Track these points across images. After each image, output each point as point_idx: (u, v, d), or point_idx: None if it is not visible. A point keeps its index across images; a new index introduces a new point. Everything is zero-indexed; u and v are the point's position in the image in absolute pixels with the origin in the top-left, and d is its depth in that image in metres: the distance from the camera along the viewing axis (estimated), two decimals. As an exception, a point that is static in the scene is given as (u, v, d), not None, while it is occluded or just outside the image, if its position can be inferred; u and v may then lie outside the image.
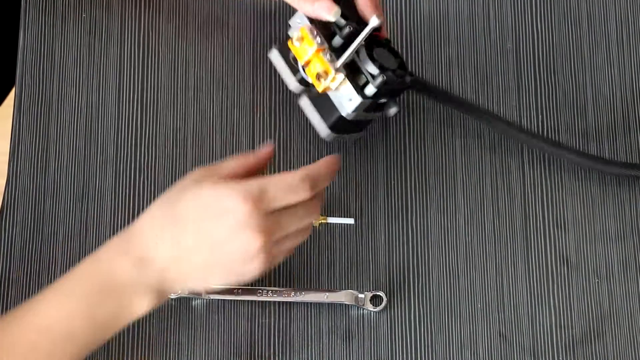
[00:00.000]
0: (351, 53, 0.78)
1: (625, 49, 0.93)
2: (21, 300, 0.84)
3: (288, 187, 0.72)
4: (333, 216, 0.87)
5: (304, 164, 0.88)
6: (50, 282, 0.84)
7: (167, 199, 0.74)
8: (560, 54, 0.93)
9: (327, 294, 0.84)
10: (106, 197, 0.88)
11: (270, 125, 0.90)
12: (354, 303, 0.84)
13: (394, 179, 0.89)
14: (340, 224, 0.87)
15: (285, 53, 0.82)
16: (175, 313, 0.85)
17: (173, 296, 0.83)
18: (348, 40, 0.79)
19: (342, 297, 0.84)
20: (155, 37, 0.92)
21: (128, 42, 0.92)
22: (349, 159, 0.89)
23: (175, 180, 0.86)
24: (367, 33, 0.77)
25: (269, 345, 0.85)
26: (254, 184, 0.70)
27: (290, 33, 0.81)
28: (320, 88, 0.78)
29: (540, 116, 0.91)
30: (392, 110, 0.83)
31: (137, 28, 0.92)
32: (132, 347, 0.84)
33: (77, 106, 0.90)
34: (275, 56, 0.83)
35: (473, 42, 0.93)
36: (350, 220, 0.87)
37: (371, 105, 0.81)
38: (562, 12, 0.94)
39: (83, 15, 0.92)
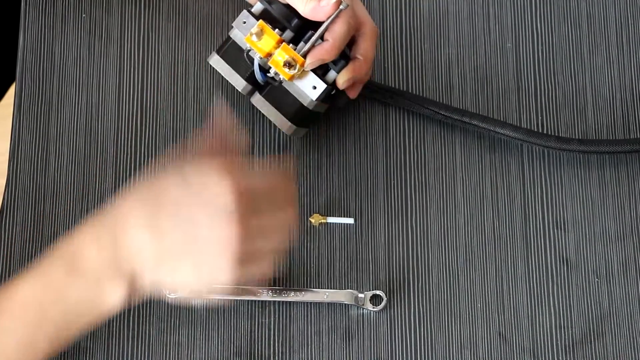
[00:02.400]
0: (316, 38, 0.79)
1: (625, 50, 0.93)
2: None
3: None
4: (333, 216, 0.87)
5: (303, 164, 0.89)
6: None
7: (145, 181, 0.72)
8: (560, 55, 0.93)
9: (327, 293, 0.84)
10: (106, 197, 0.88)
11: (270, 125, 0.90)
12: (353, 303, 0.84)
13: (394, 179, 0.89)
14: (340, 224, 0.87)
15: (230, 55, 0.83)
16: (175, 313, 0.85)
17: (171, 296, 0.82)
18: (297, 32, 0.81)
19: (341, 296, 0.84)
20: (155, 37, 0.92)
21: (128, 42, 0.92)
22: (349, 159, 0.89)
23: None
24: (335, 15, 0.77)
25: (269, 345, 0.85)
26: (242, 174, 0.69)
27: (232, 34, 0.83)
28: (288, 76, 0.79)
29: (540, 117, 0.91)
30: (343, 100, 0.85)
31: (137, 28, 0.92)
32: (132, 347, 0.84)
33: (77, 106, 0.90)
34: (216, 61, 0.84)
35: (473, 42, 0.93)
36: (350, 220, 0.87)
37: (327, 95, 0.82)
38: (562, 13, 0.94)
39: (83, 15, 0.92)
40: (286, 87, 0.82)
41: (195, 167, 0.69)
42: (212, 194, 0.67)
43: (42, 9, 0.92)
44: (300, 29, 0.81)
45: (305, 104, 0.82)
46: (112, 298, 0.70)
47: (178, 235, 0.69)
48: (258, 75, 0.81)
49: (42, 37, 0.92)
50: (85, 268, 0.70)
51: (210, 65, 0.84)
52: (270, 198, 0.71)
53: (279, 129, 0.87)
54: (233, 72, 0.83)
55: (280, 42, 0.79)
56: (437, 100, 0.90)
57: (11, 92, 1.01)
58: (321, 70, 0.81)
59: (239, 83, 0.83)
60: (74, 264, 0.70)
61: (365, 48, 0.81)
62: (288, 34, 0.81)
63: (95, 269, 0.70)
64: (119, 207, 0.71)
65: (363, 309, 0.84)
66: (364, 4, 0.88)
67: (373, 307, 0.84)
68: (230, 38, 0.83)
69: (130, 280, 0.70)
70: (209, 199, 0.67)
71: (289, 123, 0.83)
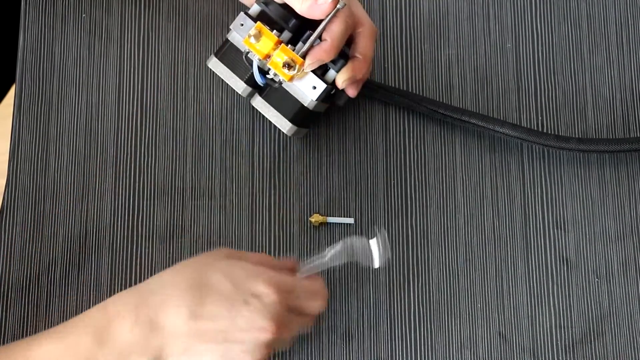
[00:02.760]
0: (315, 38, 0.79)
1: (625, 51, 0.93)
2: (21, 301, 0.84)
3: (312, 292, 0.74)
4: (333, 216, 0.87)
5: (303, 163, 0.89)
6: (51, 282, 0.85)
7: (194, 264, 0.73)
8: (560, 55, 0.93)
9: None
10: (106, 197, 0.88)
11: (270, 125, 0.90)
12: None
13: (394, 178, 0.89)
14: (340, 224, 0.87)
15: (229, 58, 0.83)
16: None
17: None
18: (295, 32, 0.81)
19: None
20: (155, 37, 0.92)
21: (128, 42, 0.92)
22: (349, 159, 0.89)
23: (175, 181, 0.87)
24: (333, 14, 0.77)
25: (269, 345, 0.85)
26: (287, 278, 0.72)
27: (229, 37, 0.83)
28: (287, 77, 0.79)
29: (540, 117, 0.91)
30: (343, 99, 0.85)
31: (137, 28, 0.92)
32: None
33: (77, 106, 0.90)
34: (215, 64, 0.84)
35: (473, 42, 0.93)
36: (350, 220, 0.87)
37: (327, 94, 0.82)
38: (561, 13, 0.94)
39: (83, 16, 0.92)
40: (286, 88, 0.82)
41: (246, 269, 0.71)
42: (256, 297, 0.70)
43: (42, 9, 0.92)
44: (298, 30, 0.81)
45: (306, 104, 0.82)
46: None
47: (214, 326, 0.70)
48: (257, 77, 0.81)
49: (42, 37, 0.92)
50: (116, 340, 0.70)
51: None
52: (304, 296, 0.74)
53: (279, 129, 0.87)
54: (232, 74, 0.83)
55: (279, 43, 0.79)
56: (437, 100, 0.90)
57: (11, 92, 1.01)
58: (320, 70, 0.81)
59: (238, 85, 0.83)
60: (104, 335, 0.70)
61: (364, 47, 0.81)
62: (286, 34, 0.81)
63: (126, 342, 0.70)
64: (163, 286, 0.71)
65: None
66: (362, 4, 0.88)
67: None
68: (228, 41, 0.83)
69: (157, 357, 0.70)
70: (251, 301, 0.70)
71: (290, 124, 0.83)
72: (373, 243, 0.75)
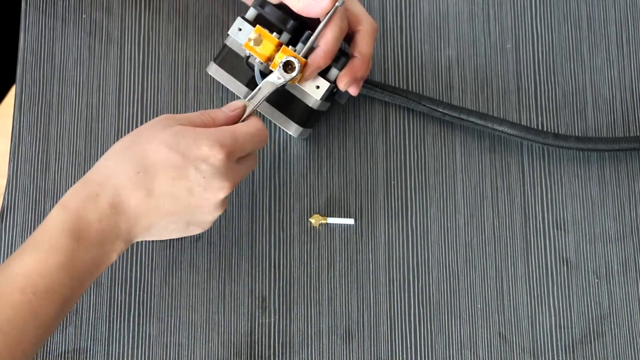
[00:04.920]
0: (315, 37, 0.78)
1: (625, 51, 0.93)
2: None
3: (252, 136, 0.75)
4: (333, 216, 0.87)
5: (303, 163, 0.89)
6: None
7: (134, 140, 0.74)
8: (560, 55, 0.93)
9: None
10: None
11: (269, 125, 0.90)
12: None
13: (394, 179, 0.89)
14: (341, 225, 0.87)
15: (229, 63, 0.83)
16: (175, 313, 0.85)
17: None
18: (294, 33, 0.81)
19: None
20: (156, 39, 0.92)
21: (128, 43, 0.92)
22: (349, 159, 0.89)
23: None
24: (332, 12, 0.77)
25: (269, 345, 0.85)
26: (228, 133, 0.73)
27: (228, 42, 0.83)
28: (292, 81, 0.79)
29: (540, 117, 0.91)
30: (344, 97, 0.85)
31: (137, 29, 0.92)
32: (132, 347, 0.84)
33: (78, 107, 0.90)
34: (215, 70, 0.84)
35: (473, 43, 0.93)
36: (350, 221, 0.87)
37: (330, 93, 0.83)
38: (561, 14, 0.94)
39: (83, 17, 0.92)
40: (289, 90, 0.82)
41: (187, 135, 0.72)
42: (205, 161, 0.72)
43: (42, 10, 0.92)
44: (296, 31, 0.81)
45: (310, 105, 0.82)
46: (112, 259, 0.74)
47: (172, 198, 0.73)
48: (259, 80, 0.81)
49: (42, 38, 0.92)
50: (90, 233, 0.72)
51: (210, 68, 0.84)
52: (247, 143, 0.75)
53: (279, 130, 0.87)
54: (233, 79, 0.83)
55: (279, 45, 0.79)
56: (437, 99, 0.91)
57: (12, 92, 1.01)
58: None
59: (240, 90, 0.83)
60: (77, 232, 0.71)
61: (362, 45, 0.81)
62: (285, 36, 0.81)
63: (99, 231, 0.72)
64: (114, 174, 0.73)
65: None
66: (363, 4, 0.88)
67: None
68: (227, 46, 0.83)
69: (127, 239, 0.74)
70: (201, 166, 0.72)
71: (296, 125, 0.83)
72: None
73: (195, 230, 0.78)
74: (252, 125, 0.76)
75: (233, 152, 0.73)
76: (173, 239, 0.86)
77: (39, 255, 0.71)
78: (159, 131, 0.73)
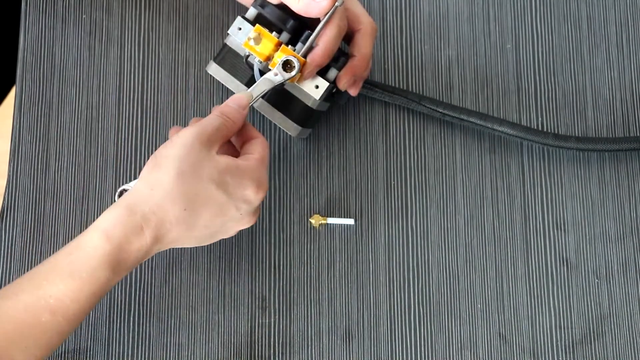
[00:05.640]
0: (314, 37, 0.78)
1: (625, 51, 0.93)
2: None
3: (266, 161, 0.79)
4: (333, 216, 0.87)
5: (303, 163, 0.89)
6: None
7: (182, 171, 0.73)
8: (560, 56, 0.93)
9: None
10: (106, 198, 0.88)
11: (269, 125, 0.90)
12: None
13: (394, 179, 0.89)
14: (341, 225, 0.87)
15: (228, 62, 0.83)
16: (175, 313, 0.85)
17: None
18: (294, 33, 0.81)
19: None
20: (155, 39, 0.92)
21: (128, 43, 0.92)
22: (349, 159, 0.89)
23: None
24: (332, 12, 0.77)
25: (269, 345, 0.85)
26: (263, 172, 0.76)
27: (227, 42, 0.83)
28: (291, 80, 0.79)
29: (540, 117, 0.91)
30: (344, 98, 0.85)
31: (137, 29, 0.92)
32: (132, 347, 0.84)
33: (78, 107, 0.90)
34: (215, 69, 0.84)
35: (473, 43, 0.93)
36: (350, 221, 0.87)
37: (329, 92, 0.83)
38: (562, 14, 0.94)
39: (83, 17, 0.92)
40: (289, 90, 0.82)
41: (235, 175, 0.75)
42: (245, 202, 0.76)
43: (42, 10, 0.92)
44: (296, 30, 0.81)
45: (309, 104, 0.82)
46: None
47: (207, 231, 0.76)
48: (258, 79, 0.81)
49: (42, 38, 0.92)
50: (127, 263, 0.73)
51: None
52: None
53: (279, 130, 0.87)
54: (233, 78, 0.83)
55: (279, 44, 0.79)
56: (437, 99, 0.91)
57: (12, 92, 1.01)
58: (322, 69, 0.81)
59: (239, 89, 0.83)
60: (117, 265, 0.72)
61: (362, 45, 0.81)
62: (285, 36, 0.81)
63: (136, 260, 0.74)
64: (161, 204, 0.73)
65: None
66: (362, 4, 0.88)
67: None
68: (227, 45, 0.83)
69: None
70: (242, 206, 0.76)
71: (295, 125, 0.83)
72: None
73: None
74: (260, 150, 0.78)
75: (266, 189, 0.77)
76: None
77: (75, 283, 0.71)
78: (205, 162, 0.74)
